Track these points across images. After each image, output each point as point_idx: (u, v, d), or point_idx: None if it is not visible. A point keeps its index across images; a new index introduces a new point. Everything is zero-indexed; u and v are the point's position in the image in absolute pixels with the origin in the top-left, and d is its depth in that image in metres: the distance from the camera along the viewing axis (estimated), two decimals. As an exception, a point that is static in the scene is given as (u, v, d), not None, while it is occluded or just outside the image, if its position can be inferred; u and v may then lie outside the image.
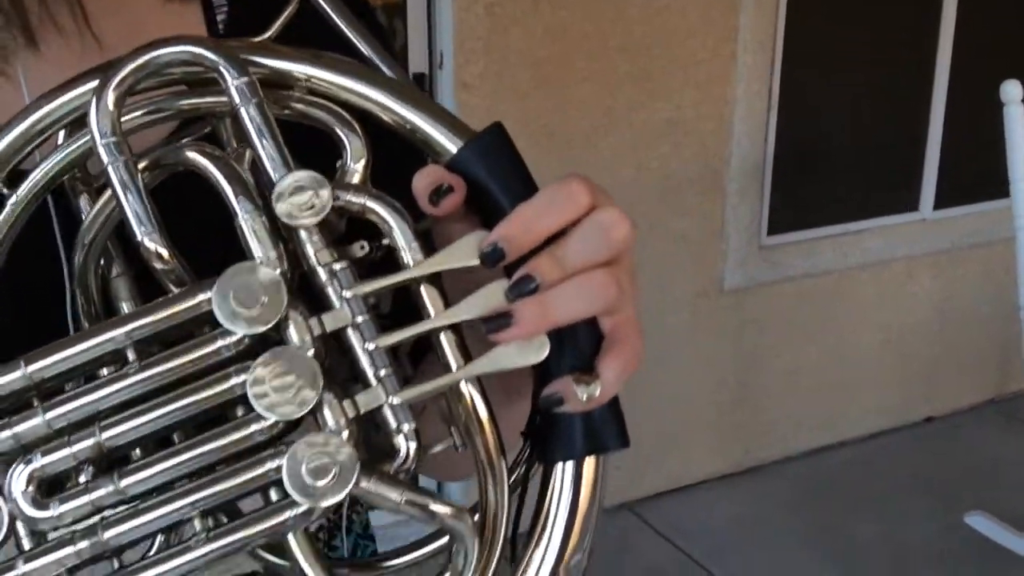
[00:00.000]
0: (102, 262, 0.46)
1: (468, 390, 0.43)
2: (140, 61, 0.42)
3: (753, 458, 3.32)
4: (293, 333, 0.40)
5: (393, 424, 0.42)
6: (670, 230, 2.94)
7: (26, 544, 0.41)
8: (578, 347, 0.43)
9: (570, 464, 0.44)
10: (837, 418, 3.46)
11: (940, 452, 3.44)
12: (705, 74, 2.90)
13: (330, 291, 0.41)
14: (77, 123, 0.44)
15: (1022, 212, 2.11)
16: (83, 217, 0.45)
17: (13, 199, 0.44)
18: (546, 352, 0.42)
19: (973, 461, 3.35)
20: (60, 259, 0.52)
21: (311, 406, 0.39)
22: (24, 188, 0.44)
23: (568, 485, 0.44)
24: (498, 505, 0.44)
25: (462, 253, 0.42)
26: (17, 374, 0.41)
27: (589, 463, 0.44)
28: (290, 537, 0.43)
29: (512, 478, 0.45)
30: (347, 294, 0.41)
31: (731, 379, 3.22)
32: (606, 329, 0.44)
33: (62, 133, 0.45)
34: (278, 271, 0.40)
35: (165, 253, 0.42)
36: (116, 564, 0.41)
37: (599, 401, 0.43)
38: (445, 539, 0.46)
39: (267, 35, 0.48)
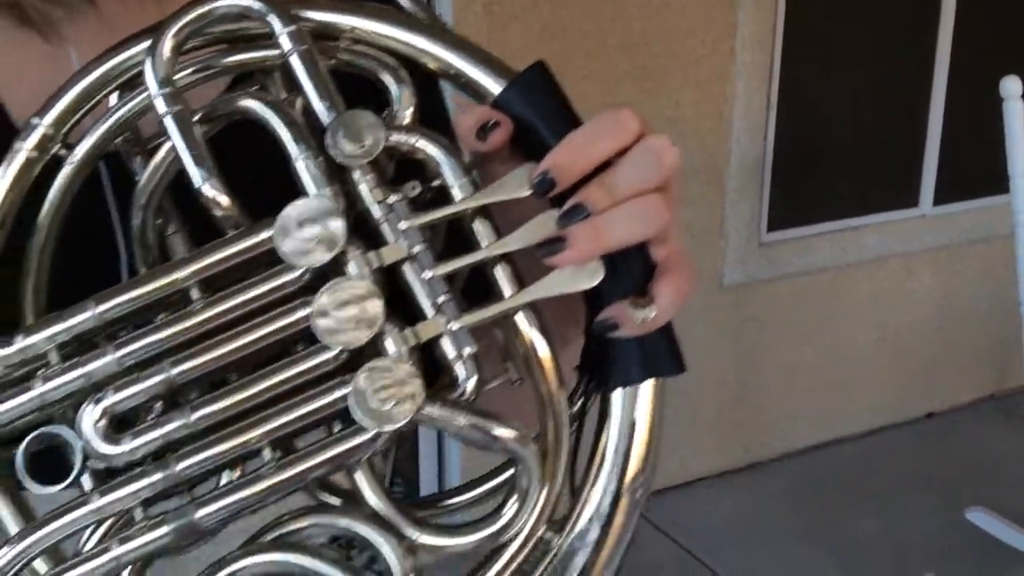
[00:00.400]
0: (158, 221, 0.47)
1: (525, 320, 0.43)
2: (197, 12, 0.43)
3: (753, 455, 3.33)
4: (353, 266, 0.41)
5: (453, 352, 0.42)
6: (670, 227, 2.94)
7: (87, 486, 0.42)
8: (631, 273, 0.43)
9: (628, 390, 0.44)
10: (837, 415, 3.46)
11: (940, 448, 3.44)
12: (704, 72, 2.90)
13: (385, 227, 0.42)
14: (128, 85, 0.45)
15: (1022, 208, 2.11)
16: (137, 178, 0.46)
17: (70, 161, 0.45)
18: (600, 276, 0.42)
19: (973, 457, 3.35)
20: (113, 223, 0.53)
21: (374, 333, 0.40)
22: (80, 150, 0.45)
23: (627, 412, 0.44)
24: (557, 439, 0.44)
25: (512, 185, 0.43)
26: (88, 314, 0.42)
27: (647, 389, 0.44)
28: (358, 475, 0.43)
29: (570, 412, 0.45)
30: (403, 226, 0.42)
31: (731, 376, 3.22)
32: (658, 258, 0.44)
33: (114, 97, 0.45)
34: (335, 205, 0.41)
35: (224, 200, 0.42)
36: (188, 498, 0.42)
37: (654, 325, 0.43)
38: (504, 476, 0.47)
39: None
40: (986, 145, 2.87)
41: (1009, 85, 2.16)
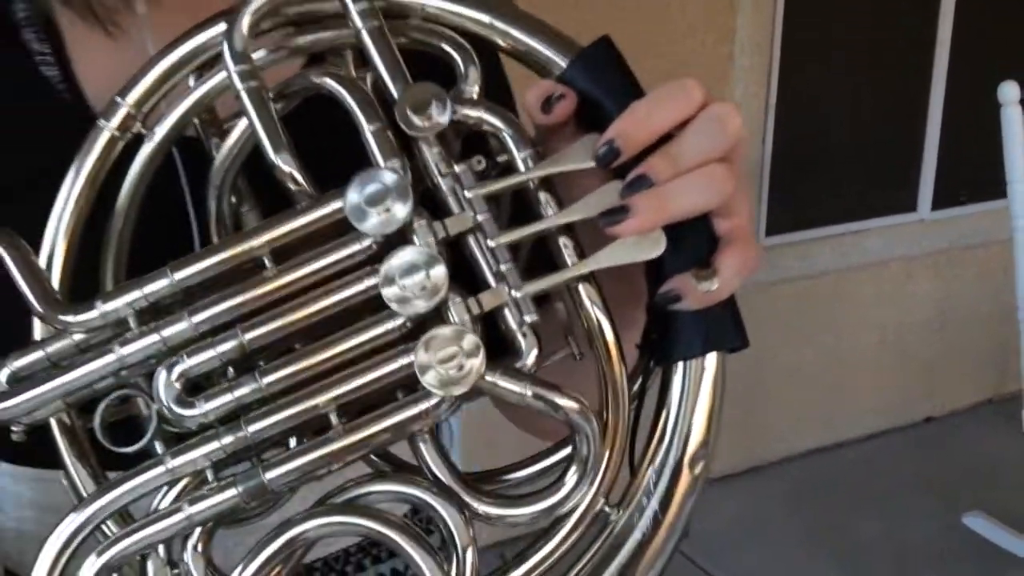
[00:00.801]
0: (233, 200, 0.49)
1: (586, 294, 0.44)
2: None
3: (753, 458, 3.32)
4: (419, 236, 0.42)
5: (515, 321, 0.43)
6: (669, 231, 2.94)
7: (159, 448, 0.44)
8: (694, 246, 0.43)
9: (690, 364, 0.44)
10: (837, 418, 3.46)
11: (939, 452, 3.44)
12: (703, 75, 2.89)
13: (450, 199, 0.43)
14: (205, 67, 0.46)
15: (1020, 212, 2.11)
16: (213, 157, 0.48)
17: (150, 139, 0.47)
18: (663, 247, 0.42)
19: (972, 461, 3.35)
20: (187, 204, 0.54)
21: (439, 300, 0.41)
22: (161, 128, 0.47)
23: (689, 386, 0.44)
24: (617, 414, 0.45)
25: (577, 156, 0.43)
26: (164, 282, 0.43)
27: (709, 363, 0.44)
28: (421, 444, 0.44)
29: (630, 390, 0.46)
30: (467, 194, 0.43)
31: (732, 379, 3.20)
32: (721, 231, 0.44)
33: (191, 80, 0.47)
34: (403, 176, 0.42)
35: (297, 174, 0.43)
36: (257, 461, 0.43)
37: (716, 297, 0.43)
38: (562, 454, 0.47)
39: None
40: (984, 150, 2.87)
41: (1007, 91, 2.17)
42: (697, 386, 0.44)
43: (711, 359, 0.44)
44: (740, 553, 2.87)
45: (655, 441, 0.44)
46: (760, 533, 2.97)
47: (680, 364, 0.44)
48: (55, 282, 0.46)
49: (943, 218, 3.55)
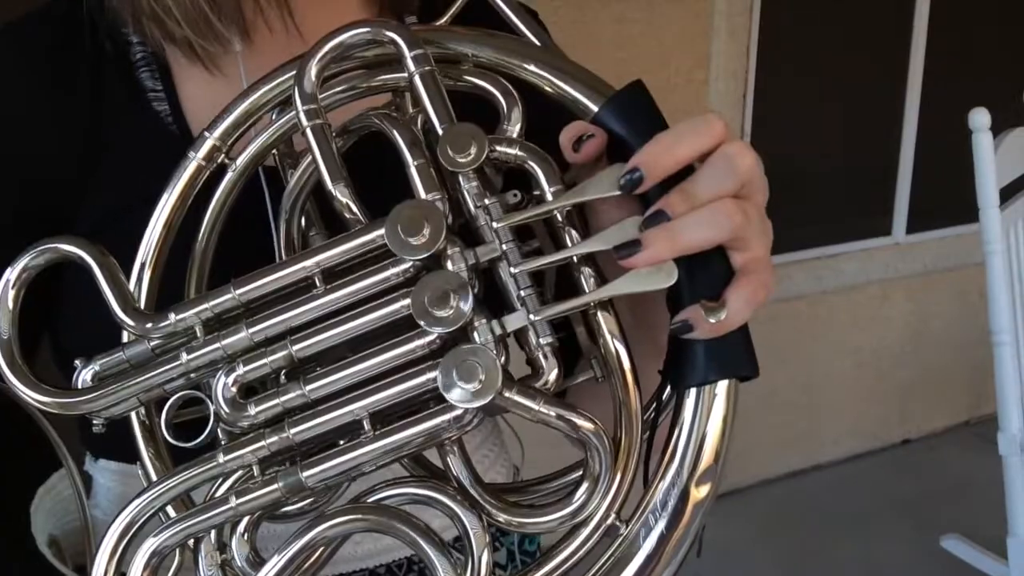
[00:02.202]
0: (303, 224, 0.54)
1: (603, 320, 0.47)
2: (335, 42, 0.50)
3: (730, 482, 3.32)
4: (451, 262, 0.46)
5: (535, 341, 0.46)
6: (646, 255, 2.95)
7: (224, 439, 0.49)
8: (709, 279, 0.46)
9: (702, 391, 0.46)
10: (813, 441, 3.47)
11: (916, 474, 3.45)
12: (678, 101, 2.92)
13: (483, 228, 0.47)
14: (285, 104, 0.53)
15: (991, 238, 2.12)
16: (286, 184, 0.54)
17: (233, 168, 0.53)
18: (674, 278, 0.45)
19: (949, 483, 3.36)
20: (270, 227, 0.59)
21: (464, 321, 0.44)
22: (242, 158, 0.53)
23: (700, 411, 0.47)
24: (630, 433, 0.48)
25: (602, 185, 0.46)
26: (227, 296, 0.48)
27: (720, 390, 0.47)
28: (448, 454, 0.48)
29: (645, 413, 0.49)
30: (495, 225, 0.46)
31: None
32: (737, 264, 0.46)
33: (274, 114, 0.53)
34: (439, 205, 0.46)
35: (353, 204, 0.48)
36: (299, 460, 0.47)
37: (725, 327, 0.45)
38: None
39: (442, 21, 0.55)
40: (957, 174, 2.90)
41: (977, 118, 2.18)
42: (708, 411, 0.46)
43: (722, 386, 0.46)
44: (718, 577, 2.86)
45: (665, 461, 0.47)
46: (737, 557, 2.96)
47: (693, 390, 0.46)
48: (144, 292, 0.52)
49: (918, 242, 3.58)
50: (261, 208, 0.60)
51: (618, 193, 0.46)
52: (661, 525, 0.46)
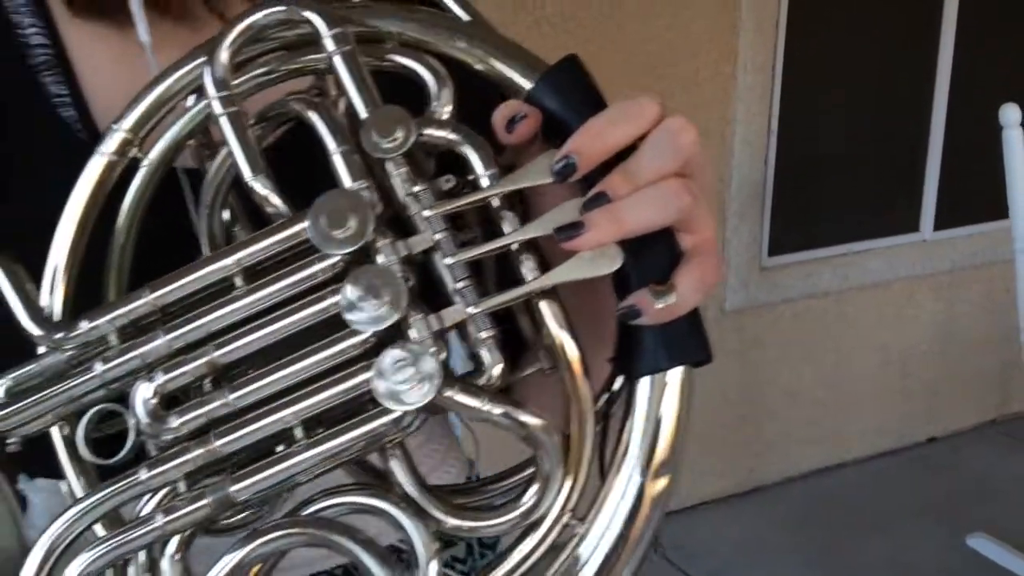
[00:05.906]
0: (226, 218, 0.50)
1: (548, 309, 0.44)
2: (246, 23, 0.46)
3: (756, 479, 3.32)
4: (380, 255, 0.43)
5: (475, 335, 0.43)
6: (671, 251, 2.94)
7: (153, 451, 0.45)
8: (656, 261, 0.43)
9: (654, 380, 0.44)
10: (840, 439, 3.45)
11: (942, 473, 3.43)
12: (706, 95, 2.91)
13: (414, 217, 0.44)
14: (200, 91, 0.48)
15: (1021, 235, 2.11)
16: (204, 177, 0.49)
17: (146, 162, 0.49)
18: (619, 262, 0.43)
19: (975, 482, 3.34)
20: (192, 221, 0.55)
21: (396, 318, 0.42)
22: (155, 151, 0.49)
23: (653, 401, 0.44)
24: (582, 428, 0.45)
25: (536, 172, 0.44)
26: (143, 300, 0.45)
27: (673, 378, 0.44)
28: (391, 460, 0.45)
29: (597, 404, 0.46)
30: (427, 213, 0.43)
31: (734, 400, 3.22)
32: (686, 246, 0.44)
33: (191, 102, 0.48)
34: (365, 196, 0.43)
35: (273, 197, 0.45)
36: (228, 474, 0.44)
37: (674, 312, 0.43)
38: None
39: None
40: (986, 170, 2.88)
41: (1008, 113, 2.17)
42: (660, 400, 0.44)
43: (675, 373, 0.44)
44: (742, 573, 2.85)
45: (619, 455, 0.45)
46: (762, 555, 2.96)
47: (645, 379, 0.44)
48: (59, 299, 0.47)
49: (945, 239, 3.55)
50: (184, 207, 0.57)
51: (552, 180, 0.43)
52: (619, 523, 0.44)
